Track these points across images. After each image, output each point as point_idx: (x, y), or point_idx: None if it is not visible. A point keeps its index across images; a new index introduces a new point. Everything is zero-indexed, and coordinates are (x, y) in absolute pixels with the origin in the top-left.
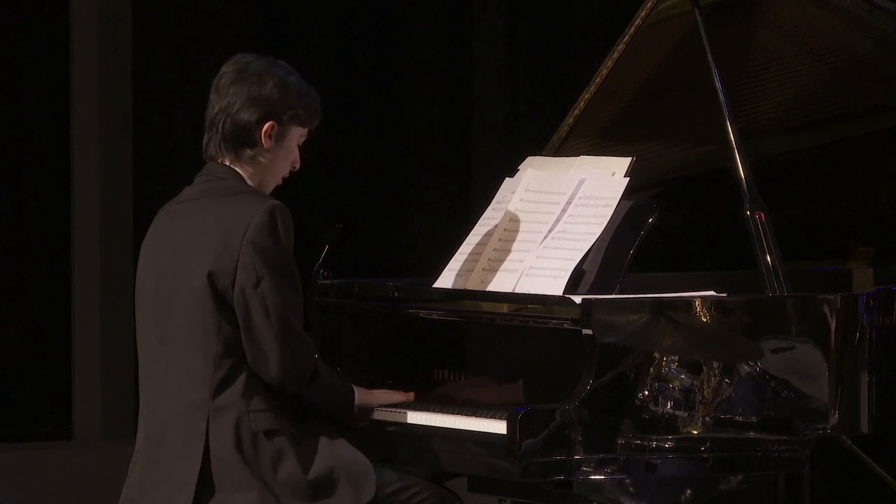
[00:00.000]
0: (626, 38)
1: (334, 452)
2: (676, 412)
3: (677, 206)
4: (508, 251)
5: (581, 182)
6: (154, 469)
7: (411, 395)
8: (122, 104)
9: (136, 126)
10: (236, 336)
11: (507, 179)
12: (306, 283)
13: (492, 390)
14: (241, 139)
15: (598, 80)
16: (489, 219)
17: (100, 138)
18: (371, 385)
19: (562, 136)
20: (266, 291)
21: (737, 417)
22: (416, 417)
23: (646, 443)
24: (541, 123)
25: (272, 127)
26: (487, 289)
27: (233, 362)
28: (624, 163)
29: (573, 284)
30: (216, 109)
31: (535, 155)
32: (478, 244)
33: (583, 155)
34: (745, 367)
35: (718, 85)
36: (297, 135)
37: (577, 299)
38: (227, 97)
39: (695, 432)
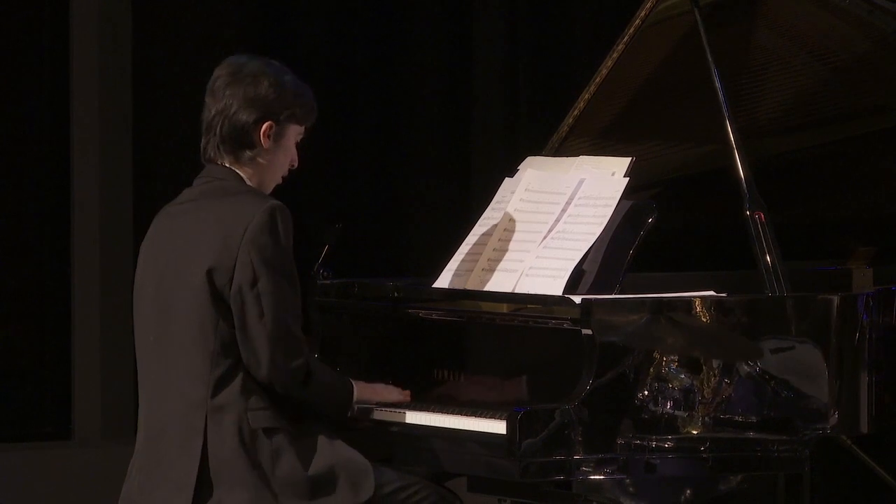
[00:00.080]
0: (626, 38)
1: (333, 451)
2: (676, 412)
3: (677, 206)
4: (508, 251)
5: (581, 182)
6: (154, 469)
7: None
8: (122, 104)
9: (136, 126)
10: (233, 335)
11: (507, 179)
12: (306, 283)
13: (491, 390)
14: (240, 141)
15: (597, 80)
16: (489, 219)
17: (100, 138)
18: None
19: (561, 136)
20: (263, 291)
21: (736, 417)
22: (415, 417)
23: (645, 443)
24: (541, 123)
25: (270, 127)
26: (487, 289)
27: (231, 361)
28: (624, 163)
29: (573, 284)
30: (213, 112)
31: (534, 155)
32: (477, 244)
33: (582, 155)
34: (745, 367)
35: (718, 85)
36: (295, 133)
37: (577, 299)
38: (223, 99)
39: (694, 432)
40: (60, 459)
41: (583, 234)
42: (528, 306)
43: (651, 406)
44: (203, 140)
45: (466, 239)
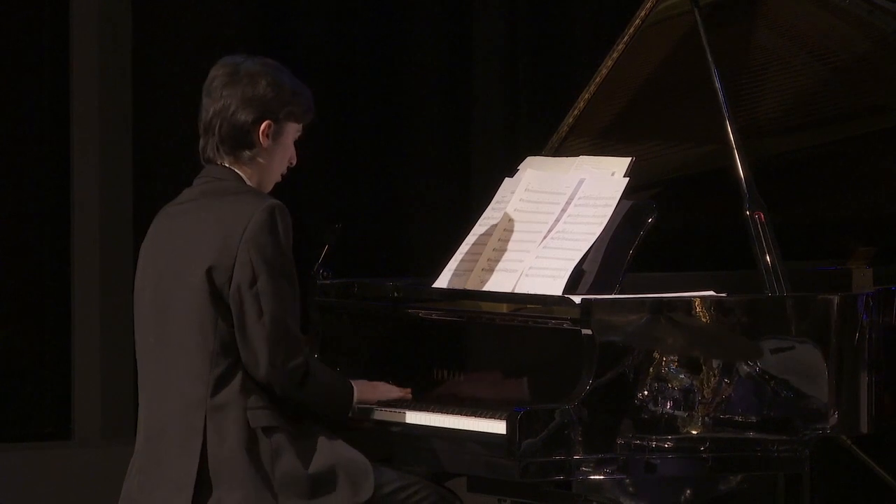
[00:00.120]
0: (625, 38)
1: (333, 450)
2: (676, 412)
3: (677, 206)
4: (508, 251)
5: (581, 182)
6: (153, 469)
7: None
8: (122, 104)
9: (136, 126)
10: (233, 334)
11: (507, 179)
12: (306, 283)
13: (491, 390)
14: (239, 140)
15: (597, 79)
16: (489, 219)
17: (100, 138)
18: None
19: (561, 136)
20: (261, 291)
21: (736, 417)
22: (415, 417)
23: (645, 443)
24: (540, 123)
25: (269, 126)
26: (487, 289)
27: (230, 360)
28: (624, 163)
29: (573, 284)
30: (211, 113)
31: (534, 155)
32: (477, 244)
33: (582, 155)
34: (745, 367)
35: (718, 85)
36: (293, 131)
37: (577, 299)
38: (221, 100)
39: (694, 432)
40: (60, 459)
41: (583, 234)
42: (528, 306)
43: (651, 406)
44: (202, 140)
45: (466, 239)
